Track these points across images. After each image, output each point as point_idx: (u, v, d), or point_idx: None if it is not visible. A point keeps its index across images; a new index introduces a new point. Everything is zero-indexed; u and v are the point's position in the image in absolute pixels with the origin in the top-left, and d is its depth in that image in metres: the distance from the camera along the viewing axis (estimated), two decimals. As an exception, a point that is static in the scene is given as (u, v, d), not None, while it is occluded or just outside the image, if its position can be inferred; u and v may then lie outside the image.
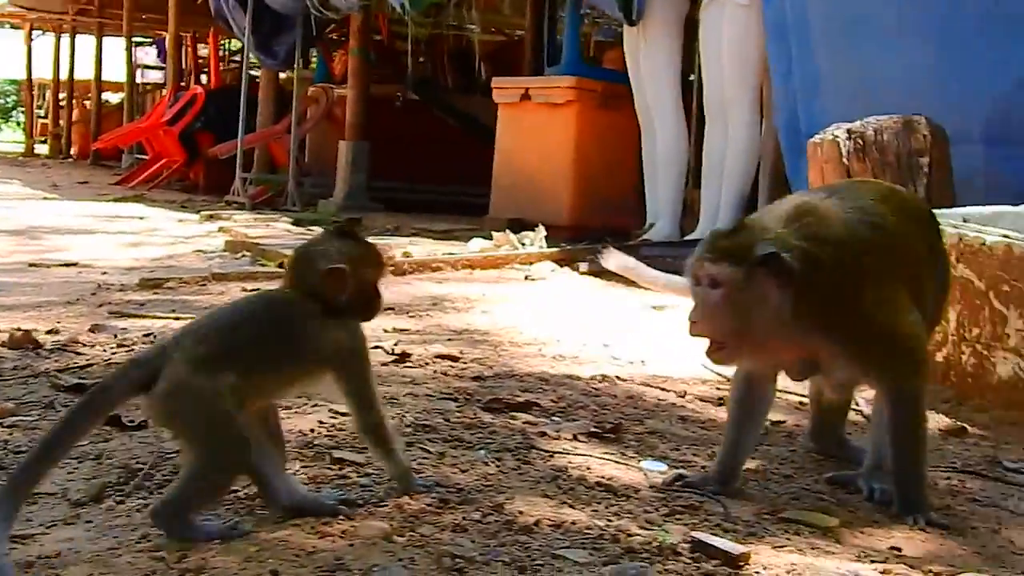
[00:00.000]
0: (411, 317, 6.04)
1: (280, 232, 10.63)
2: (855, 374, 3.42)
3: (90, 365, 4.32)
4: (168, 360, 2.63)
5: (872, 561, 2.89)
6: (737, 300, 3.14)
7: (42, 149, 32.40)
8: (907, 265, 3.44)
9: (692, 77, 10.46)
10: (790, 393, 4.50)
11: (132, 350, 4.62)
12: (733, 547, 2.81)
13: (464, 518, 2.86)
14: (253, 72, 17.73)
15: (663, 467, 3.51)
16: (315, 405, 3.82)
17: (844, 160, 6.10)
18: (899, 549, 3.01)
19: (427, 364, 4.70)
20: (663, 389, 4.59)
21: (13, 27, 35.23)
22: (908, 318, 3.33)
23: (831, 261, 3.23)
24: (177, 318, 5.59)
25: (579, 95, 10.77)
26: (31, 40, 32.21)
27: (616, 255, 5.93)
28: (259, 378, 2.73)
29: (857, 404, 4.18)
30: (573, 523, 2.90)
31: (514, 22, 17.13)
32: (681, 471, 3.44)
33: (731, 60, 9.12)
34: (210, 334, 2.70)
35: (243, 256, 8.94)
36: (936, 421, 4.29)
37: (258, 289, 6.85)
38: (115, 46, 27.79)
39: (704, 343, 3.25)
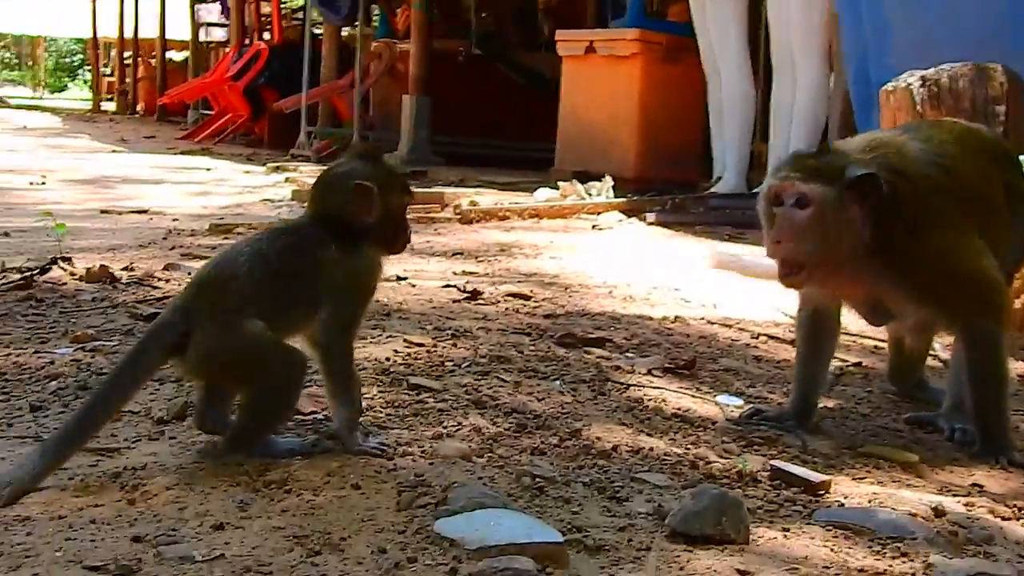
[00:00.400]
0: (480, 262, 6.02)
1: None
2: (927, 317, 3.33)
3: (166, 297, 4.34)
4: (193, 322, 2.56)
5: (954, 495, 2.84)
6: (825, 220, 3.07)
7: (109, 106, 32.64)
8: (981, 207, 3.35)
9: (759, 31, 10.31)
10: (866, 337, 4.45)
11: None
12: (813, 475, 2.79)
13: (542, 442, 2.86)
14: (316, 29, 17.73)
15: (739, 402, 3.49)
16: (390, 335, 3.82)
17: (917, 108, 5.97)
18: (981, 486, 2.96)
19: (498, 302, 4.69)
20: (736, 330, 4.55)
21: (79, -14, 35.51)
22: (983, 261, 3.24)
23: (906, 194, 3.16)
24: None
25: (643, 48, 10.66)
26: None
27: (719, 254, 5.95)
28: (285, 318, 2.63)
29: (934, 349, 4.12)
30: (651, 450, 2.88)
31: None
32: (758, 406, 3.41)
33: (799, 11, 8.97)
34: (225, 287, 2.59)
35: (310, 205, 8.94)
36: (1014, 367, 4.21)
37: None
38: (178, 5, 27.88)
39: (778, 270, 3.16)
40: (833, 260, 3.13)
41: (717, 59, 9.89)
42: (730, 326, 4.63)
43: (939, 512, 2.63)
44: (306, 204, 2.82)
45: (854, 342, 4.42)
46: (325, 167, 2.86)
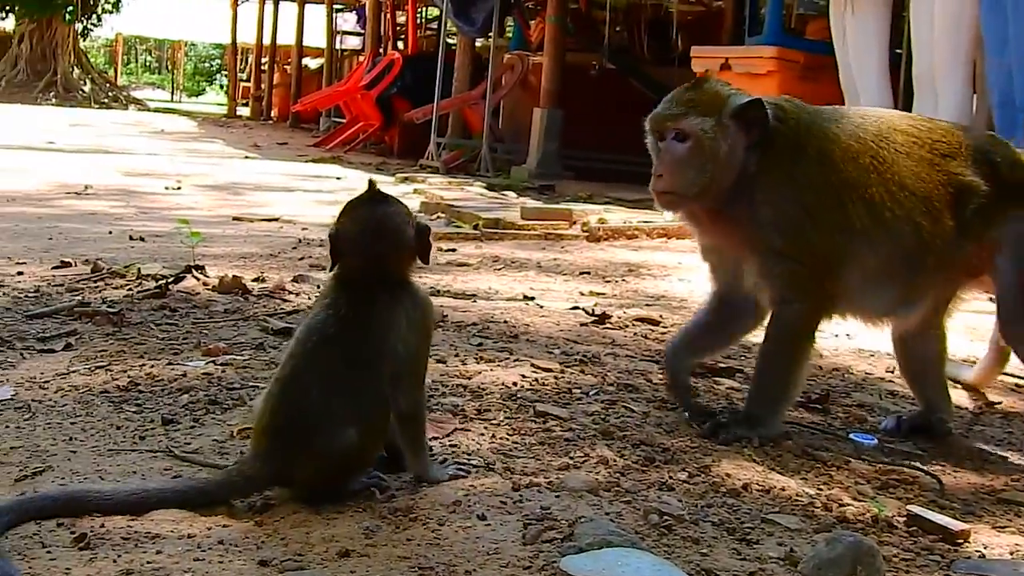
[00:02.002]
0: (607, 282, 5.99)
1: (474, 196, 10.70)
2: (754, 275, 3.28)
3: (296, 311, 4.39)
4: (287, 468, 2.47)
5: (1102, 548, 2.73)
6: (704, 151, 3.14)
7: (244, 111, 33.36)
8: (895, 190, 3.26)
9: (899, 50, 10.10)
10: (1006, 375, 4.31)
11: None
12: (952, 523, 2.70)
13: (670, 477, 2.81)
14: (450, 39, 17.89)
15: (873, 441, 3.39)
16: (517, 359, 3.80)
17: (1068, 135, 5.80)
18: None
19: (627, 327, 4.65)
20: (870, 362, 4.45)
21: (220, -7, 36.36)
22: (834, 239, 3.21)
23: (791, 131, 3.20)
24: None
25: (781, 65, 10.50)
26: (237, 6, 33.16)
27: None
28: (372, 407, 2.52)
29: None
30: (782, 489, 2.81)
31: (713, -8, 16.89)
32: (893, 445, 3.32)
33: (943, 32, 8.74)
34: (309, 430, 2.46)
35: (438, 217, 9.02)
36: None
37: (452, 249, 6.91)
38: (316, 12, 28.43)
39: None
40: (714, 191, 3.18)
41: (856, 78, 9.70)
42: (864, 357, 4.52)
43: (1087, 569, 2.53)
44: (338, 264, 2.67)
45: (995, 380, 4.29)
46: (349, 222, 2.66)
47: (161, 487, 2.48)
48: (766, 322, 3.34)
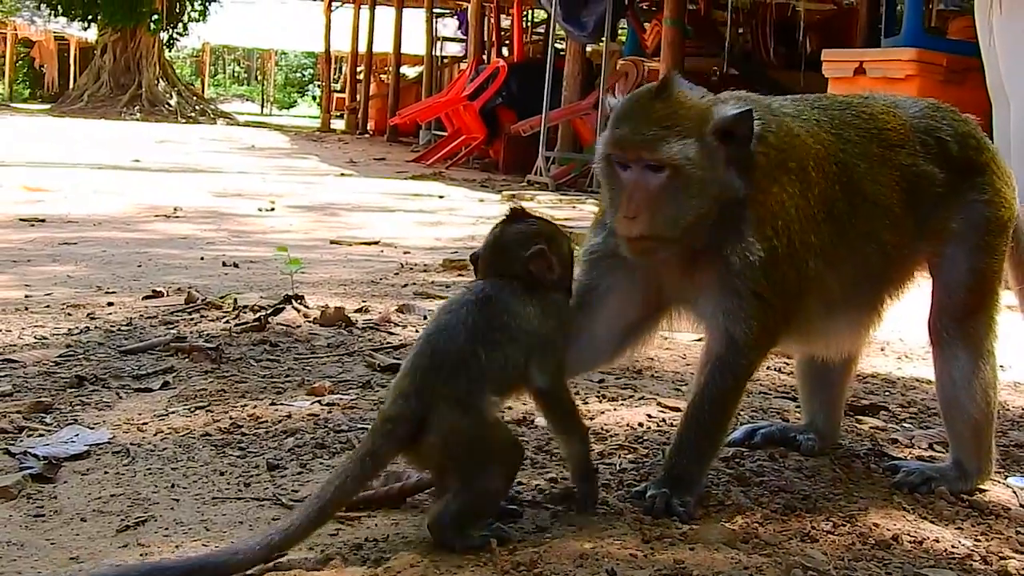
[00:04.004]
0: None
1: (587, 215, 10.73)
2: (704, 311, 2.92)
3: (403, 346, 4.45)
4: (428, 408, 2.57)
5: None
6: (691, 184, 2.73)
7: (338, 124, 33.84)
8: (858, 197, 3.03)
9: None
10: None
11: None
12: None
13: (813, 527, 2.80)
14: (558, 45, 17.98)
15: (1034, 485, 3.34)
16: (642, 397, 3.82)
17: None
18: None
19: (758, 359, 4.63)
20: (1029, 397, 4.39)
21: (312, -1, 37.02)
22: (807, 268, 2.90)
23: (774, 151, 2.87)
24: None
25: (921, 69, 10.41)
26: (330, 12, 33.68)
27: None
28: (509, 384, 2.71)
29: None
30: (936, 541, 2.79)
31: (845, -10, 16.79)
32: (1057, 491, 3.27)
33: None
34: (453, 368, 2.60)
35: (549, 238, 9.05)
36: None
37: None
38: (415, 18, 28.79)
39: None
40: (698, 230, 2.79)
41: (1005, 82, 9.56)
42: (1020, 392, 4.46)
43: None
44: (480, 270, 2.89)
45: None
46: (487, 241, 2.89)
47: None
48: (705, 363, 2.96)
